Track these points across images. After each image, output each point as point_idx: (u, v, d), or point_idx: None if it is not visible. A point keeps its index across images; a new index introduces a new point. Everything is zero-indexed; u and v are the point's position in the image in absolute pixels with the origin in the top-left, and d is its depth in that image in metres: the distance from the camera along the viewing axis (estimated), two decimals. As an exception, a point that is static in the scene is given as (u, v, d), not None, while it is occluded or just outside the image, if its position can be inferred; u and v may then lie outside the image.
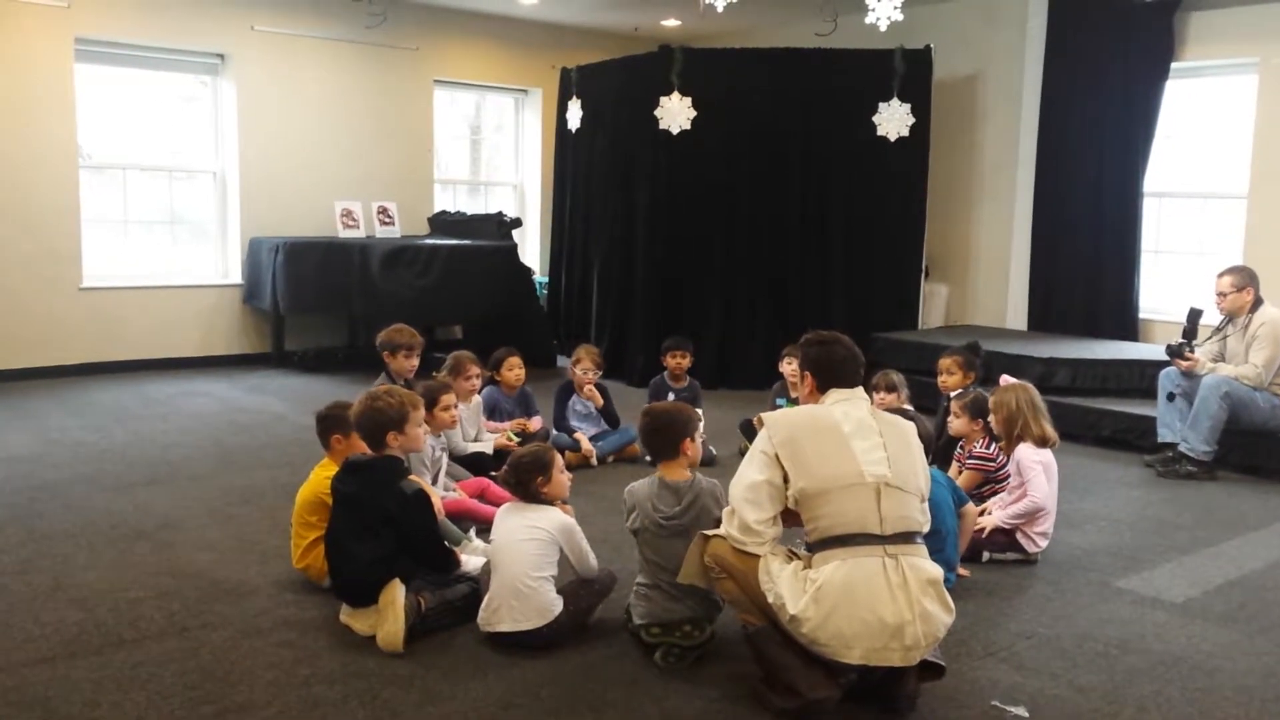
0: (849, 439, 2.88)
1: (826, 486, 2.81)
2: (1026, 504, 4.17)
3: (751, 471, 2.92)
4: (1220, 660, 3.33)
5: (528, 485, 3.38)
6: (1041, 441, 4.25)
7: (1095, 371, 6.70)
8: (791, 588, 2.80)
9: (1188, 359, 5.79)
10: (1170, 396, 5.87)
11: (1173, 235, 8.13)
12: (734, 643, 3.33)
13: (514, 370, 5.63)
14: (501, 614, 3.26)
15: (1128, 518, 4.92)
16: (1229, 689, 3.13)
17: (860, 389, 3.08)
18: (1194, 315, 5.89)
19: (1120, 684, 3.14)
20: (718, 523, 3.10)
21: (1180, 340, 5.86)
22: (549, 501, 3.43)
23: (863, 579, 2.72)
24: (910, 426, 3.06)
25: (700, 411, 5.85)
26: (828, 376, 3.09)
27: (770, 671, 2.91)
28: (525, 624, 3.23)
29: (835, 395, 3.04)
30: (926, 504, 2.96)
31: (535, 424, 5.54)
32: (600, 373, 5.91)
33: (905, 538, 2.81)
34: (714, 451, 5.74)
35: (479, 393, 5.33)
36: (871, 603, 2.70)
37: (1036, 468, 4.20)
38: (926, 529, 2.92)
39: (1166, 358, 5.95)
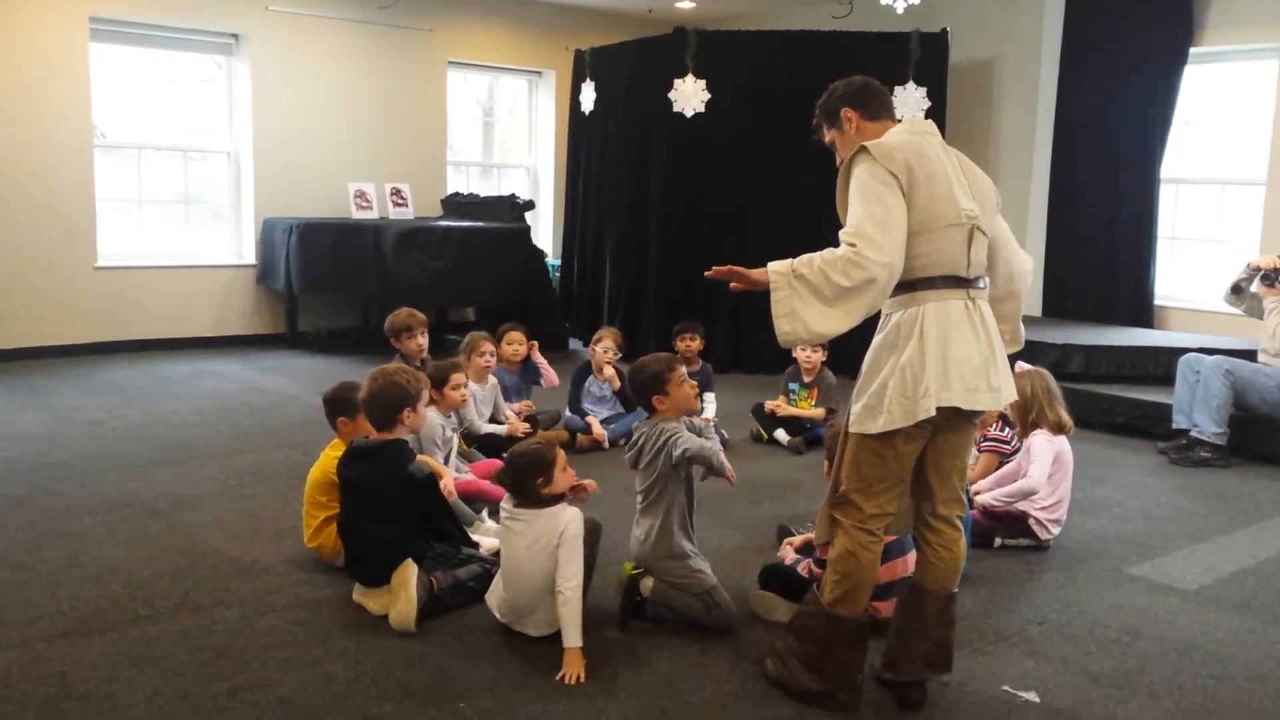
0: (951, 176, 2.73)
1: (929, 227, 2.67)
2: (1017, 485, 4.14)
3: (882, 200, 2.62)
4: (1233, 648, 3.32)
5: (524, 488, 3.18)
6: (1057, 428, 4.22)
7: (1110, 358, 6.66)
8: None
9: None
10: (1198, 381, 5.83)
11: (1190, 222, 8.07)
12: (745, 628, 3.34)
13: (511, 345, 5.64)
14: (513, 619, 3.23)
15: (1141, 505, 4.90)
16: (1241, 677, 3.12)
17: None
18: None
19: (1132, 671, 3.14)
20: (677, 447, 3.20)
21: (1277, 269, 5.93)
22: (550, 501, 3.21)
23: (953, 320, 2.68)
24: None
25: (712, 396, 5.90)
26: (873, 105, 2.92)
27: (813, 651, 2.84)
28: (545, 630, 3.18)
29: (904, 124, 2.84)
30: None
31: (528, 405, 5.60)
32: (621, 355, 5.91)
33: (979, 280, 2.79)
34: (726, 435, 5.73)
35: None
36: (962, 342, 2.67)
37: (1045, 455, 4.16)
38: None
39: (1258, 284, 5.99)
